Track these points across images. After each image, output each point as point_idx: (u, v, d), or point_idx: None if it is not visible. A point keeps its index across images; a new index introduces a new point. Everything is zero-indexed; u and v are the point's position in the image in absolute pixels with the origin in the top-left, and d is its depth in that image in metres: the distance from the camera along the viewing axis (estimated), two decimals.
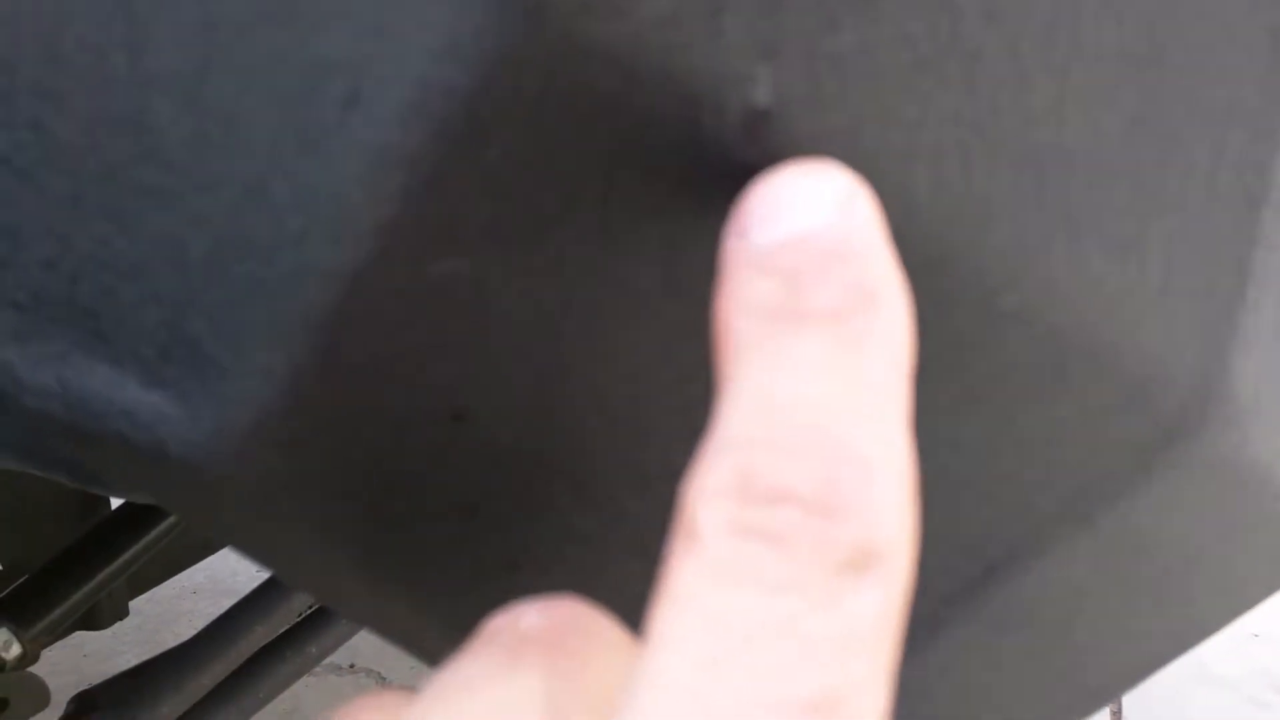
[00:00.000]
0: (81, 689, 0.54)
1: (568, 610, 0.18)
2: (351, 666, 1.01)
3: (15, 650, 0.58)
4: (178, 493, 0.22)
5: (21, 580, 0.60)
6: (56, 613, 0.58)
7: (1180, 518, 0.29)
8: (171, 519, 0.54)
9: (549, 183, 0.18)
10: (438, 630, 0.25)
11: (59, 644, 0.62)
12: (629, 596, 0.19)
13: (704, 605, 0.14)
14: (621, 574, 0.24)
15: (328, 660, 0.63)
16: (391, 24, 0.17)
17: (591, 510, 0.23)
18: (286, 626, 0.60)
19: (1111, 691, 0.36)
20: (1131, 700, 1.04)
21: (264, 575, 0.61)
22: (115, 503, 0.61)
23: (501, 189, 0.18)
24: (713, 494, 0.15)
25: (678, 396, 0.22)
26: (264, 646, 0.58)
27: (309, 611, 0.60)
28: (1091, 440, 0.26)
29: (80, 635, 0.63)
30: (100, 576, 0.58)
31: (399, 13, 0.17)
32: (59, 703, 0.56)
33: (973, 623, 0.30)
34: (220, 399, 0.20)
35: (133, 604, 0.63)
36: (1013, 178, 0.21)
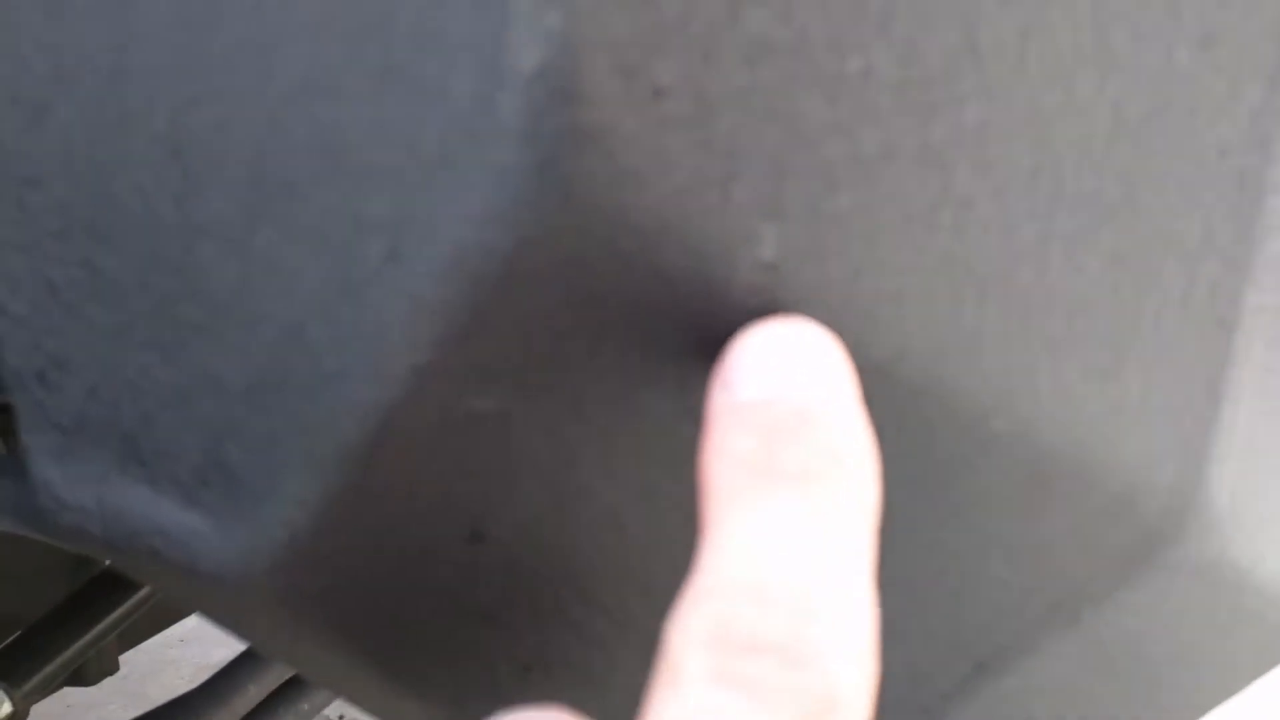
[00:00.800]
0: None
1: (557, 718, 0.19)
2: (341, 718, 1.01)
3: (6, 708, 0.58)
4: (205, 600, 0.23)
5: (14, 637, 0.60)
6: (48, 669, 0.58)
7: (1165, 618, 0.30)
8: None
9: (575, 331, 0.19)
10: None
11: (50, 699, 0.62)
12: (633, 694, 0.21)
13: None
14: (627, 674, 0.25)
15: (320, 715, 0.63)
16: (433, 190, 0.18)
17: (600, 615, 0.25)
18: (279, 683, 0.61)
19: None
20: None
21: None
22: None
23: (531, 338, 0.19)
24: (695, 638, 0.16)
25: (684, 510, 0.23)
26: (257, 705, 0.58)
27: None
28: (1078, 548, 0.27)
29: (68, 693, 0.63)
30: (93, 633, 0.58)
31: (441, 180, 0.18)
32: None
33: (968, 715, 0.31)
34: (254, 522, 0.21)
35: (123, 662, 0.64)
36: (999, 313, 0.23)
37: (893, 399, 0.23)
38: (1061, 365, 0.24)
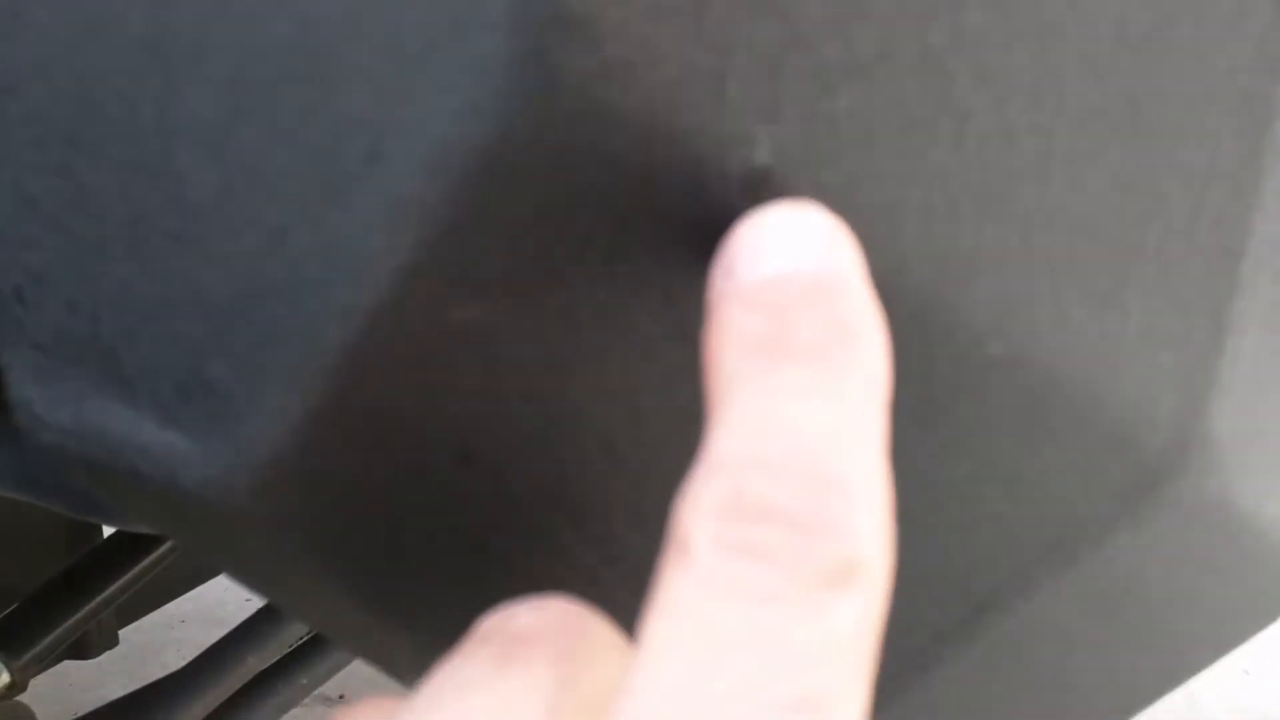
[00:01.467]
0: (68, 719, 0.54)
1: (560, 610, 0.19)
2: (341, 697, 1.00)
3: (5, 679, 0.58)
4: (188, 527, 0.23)
5: (11, 609, 0.60)
6: (46, 641, 0.58)
7: (1165, 560, 0.30)
8: (162, 549, 0.54)
9: (562, 234, 0.19)
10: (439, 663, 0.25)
11: (46, 673, 0.62)
12: (626, 626, 0.20)
13: (694, 615, 0.15)
14: (618, 606, 0.25)
15: (318, 691, 0.63)
16: (415, 84, 0.18)
17: (593, 545, 0.24)
18: (278, 657, 0.60)
19: None
20: None
21: (252, 605, 0.61)
22: (106, 531, 0.61)
23: (517, 240, 0.19)
24: (704, 511, 0.16)
25: (677, 437, 0.23)
26: (255, 677, 0.58)
27: (301, 642, 0.60)
28: (1076, 484, 0.27)
29: (67, 664, 0.63)
30: (91, 605, 0.58)
31: (422, 74, 0.18)
32: None
33: (963, 660, 0.30)
34: (236, 438, 0.20)
35: (120, 633, 0.63)
36: (999, 232, 0.22)
37: (888, 318, 0.22)
38: (1061, 289, 0.23)
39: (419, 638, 0.24)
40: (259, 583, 0.25)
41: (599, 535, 0.24)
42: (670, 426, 0.23)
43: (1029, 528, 0.27)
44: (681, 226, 0.20)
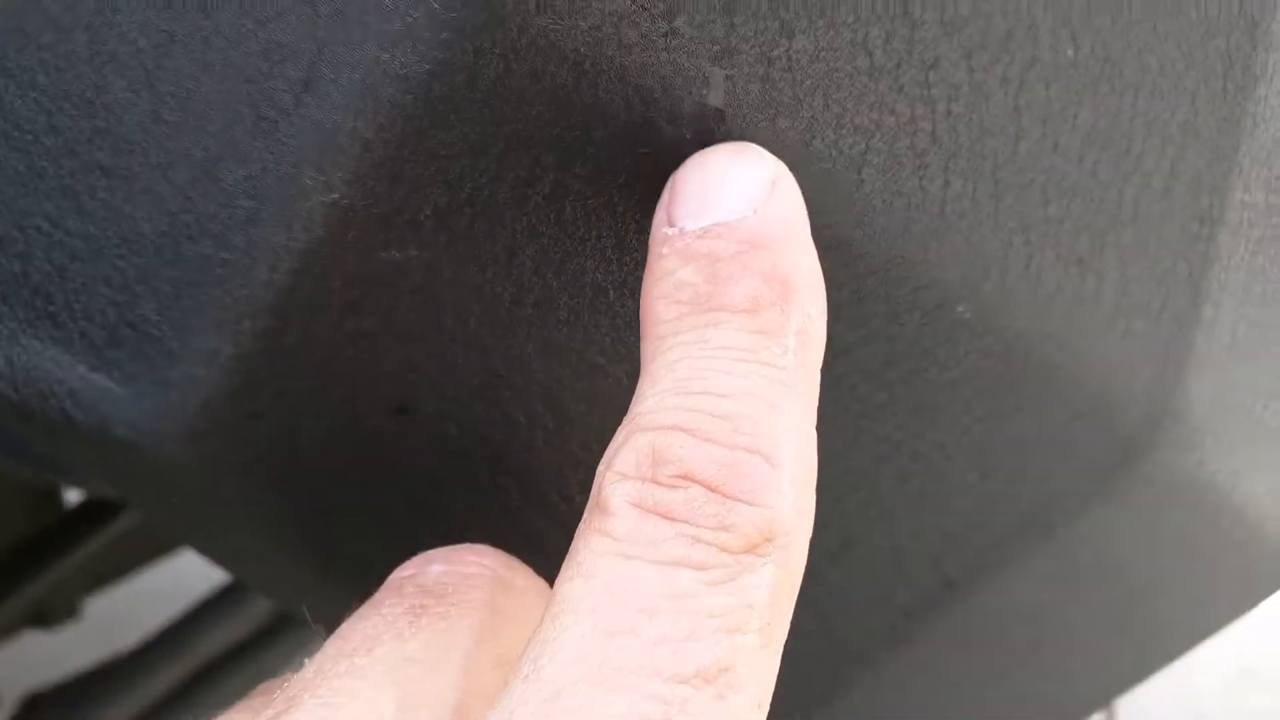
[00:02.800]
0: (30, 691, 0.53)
1: (476, 559, 0.18)
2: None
3: None
4: (123, 475, 0.22)
5: None
6: (7, 606, 0.57)
7: (1141, 538, 0.29)
8: (126, 520, 0.53)
9: (502, 174, 0.18)
10: None
11: (10, 646, 0.61)
12: None
13: (606, 577, 0.15)
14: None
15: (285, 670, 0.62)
16: (349, 9, 0.17)
17: (540, 509, 0.23)
18: (243, 634, 0.59)
19: (1081, 712, 0.36)
20: None
21: (221, 581, 0.60)
22: (71, 501, 0.60)
23: (454, 178, 0.18)
24: (624, 472, 0.16)
25: (628, 397, 0.22)
26: (219, 653, 0.57)
27: (267, 619, 0.59)
28: (1049, 457, 0.26)
29: (32, 640, 0.62)
30: (53, 571, 0.57)
31: (358, 0, 0.17)
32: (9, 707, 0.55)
33: (935, 638, 0.30)
34: (166, 382, 0.20)
35: (87, 610, 0.62)
36: (968, 188, 0.21)
37: (851, 276, 0.21)
38: (1035, 249, 0.23)
39: (362, 590, 0.23)
40: (195, 536, 0.25)
41: (548, 499, 0.23)
42: (623, 386, 0.22)
43: (1001, 501, 0.27)
44: (632, 170, 0.19)
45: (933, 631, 0.29)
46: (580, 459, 0.23)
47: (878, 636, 0.29)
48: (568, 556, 0.15)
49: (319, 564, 0.23)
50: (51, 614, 0.59)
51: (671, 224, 0.17)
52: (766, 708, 0.15)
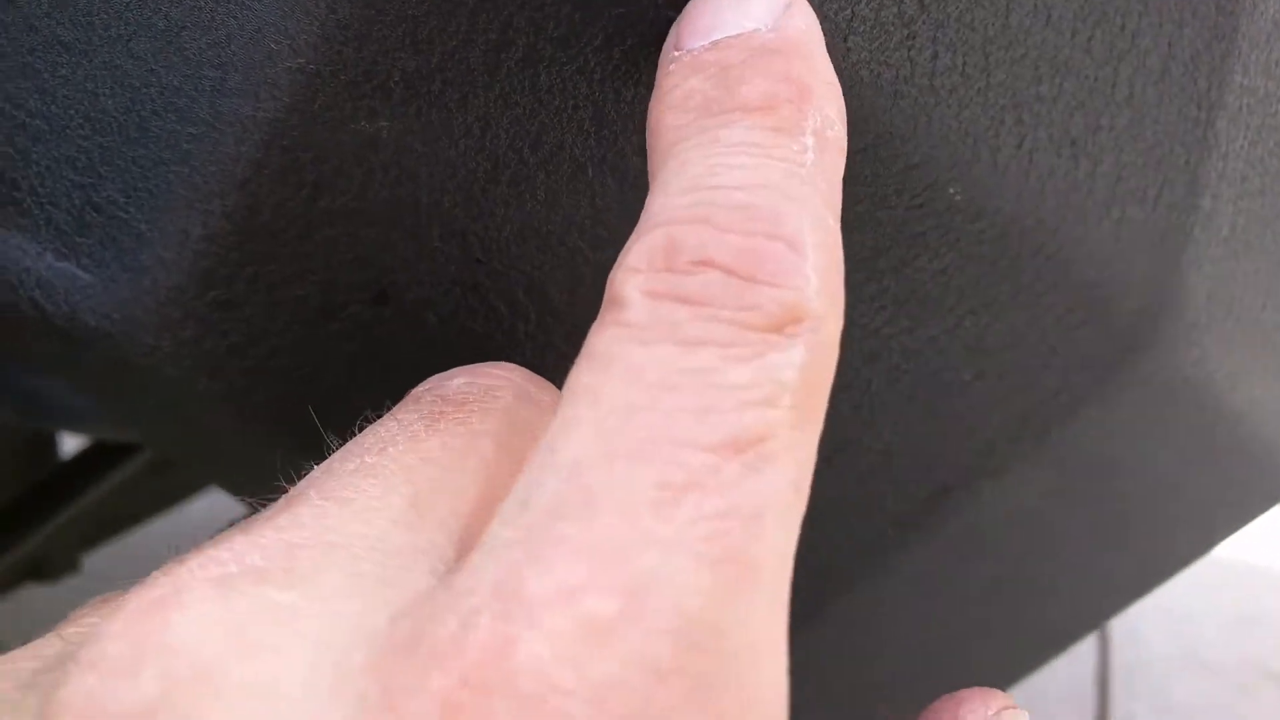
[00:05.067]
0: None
1: (501, 374, 0.17)
2: None
3: None
4: (96, 372, 0.21)
5: None
6: (4, 559, 0.57)
7: (1139, 442, 0.29)
8: (122, 472, 0.53)
9: (472, 37, 0.18)
10: None
11: (10, 599, 0.61)
12: None
13: (621, 360, 0.14)
14: None
15: None
16: None
17: None
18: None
19: (1079, 630, 0.36)
20: (1118, 686, 1.04)
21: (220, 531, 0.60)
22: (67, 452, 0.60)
23: (422, 40, 0.17)
24: (635, 267, 0.15)
25: None
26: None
27: None
28: (1044, 352, 0.25)
29: (32, 594, 0.62)
30: (48, 525, 0.57)
31: None
32: None
33: (929, 548, 0.29)
34: (136, 267, 0.19)
35: (86, 564, 0.62)
36: (957, 61, 0.21)
37: None
38: (1027, 129, 0.22)
39: None
40: (173, 441, 0.24)
41: None
42: (606, 275, 0.21)
43: (995, 402, 0.26)
44: (608, 32, 0.18)
45: (928, 542, 0.29)
46: (564, 352, 0.22)
47: (870, 546, 0.28)
48: (580, 357, 0.15)
49: (299, 461, 0.22)
50: (51, 568, 0.59)
51: (679, 48, 0.17)
52: (804, 494, 0.14)
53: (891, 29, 0.20)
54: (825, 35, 0.19)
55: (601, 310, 0.15)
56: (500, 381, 0.17)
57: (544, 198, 0.20)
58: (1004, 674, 0.35)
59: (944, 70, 0.21)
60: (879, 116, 0.21)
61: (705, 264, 0.14)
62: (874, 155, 0.21)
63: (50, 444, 0.55)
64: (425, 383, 0.17)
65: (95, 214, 0.19)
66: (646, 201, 0.16)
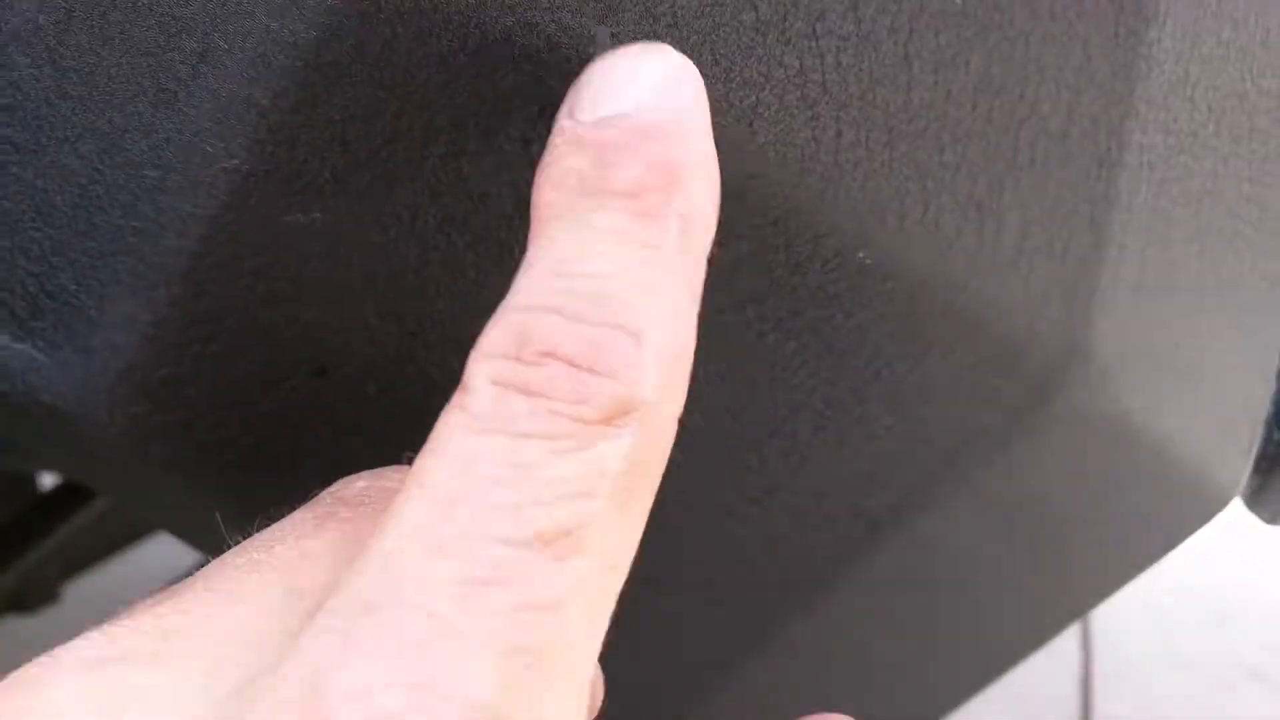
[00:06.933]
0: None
1: (399, 477, 0.18)
2: None
3: None
4: (55, 444, 0.23)
5: None
6: None
7: (1063, 476, 0.30)
8: (101, 504, 0.54)
9: (397, 136, 0.19)
10: None
11: None
12: None
13: (455, 450, 0.15)
14: None
15: None
16: None
17: None
18: None
19: (1017, 654, 0.38)
20: (1099, 682, 1.05)
21: (197, 563, 0.61)
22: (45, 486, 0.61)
23: (349, 141, 0.19)
24: (488, 352, 0.16)
25: None
26: None
27: None
28: (961, 399, 0.27)
29: (13, 625, 0.63)
30: (29, 556, 0.57)
31: None
32: None
33: (864, 581, 0.30)
34: (88, 349, 0.20)
35: (66, 594, 0.63)
36: (861, 136, 0.22)
37: (750, 228, 0.22)
38: (931, 195, 0.23)
39: None
40: (131, 501, 0.25)
41: None
42: None
43: (917, 443, 0.28)
44: (526, 127, 0.19)
45: (863, 575, 0.30)
46: None
47: (804, 582, 0.30)
48: (429, 437, 0.16)
49: (247, 521, 0.23)
50: (31, 599, 0.60)
51: (570, 116, 0.18)
52: (621, 572, 0.15)
53: (795, 111, 0.21)
54: (731, 121, 0.21)
55: (456, 391, 0.16)
56: (400, 483, 0.18)
57: (474, 276, 0.21)
58: (950, 695, 0.37)
59: (848, 146, 0.22)
60: (787, 193, 0.22)
61: (550, 355, 0.15)
62: (784, 227, 0.22)
63: (29, 477, 0.56)
64: (333, 485, 0.19)
65: (49, 300, 0.20)
66: (516, 275, 0.17)
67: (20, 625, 0.63)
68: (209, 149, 0.18)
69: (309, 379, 0.21)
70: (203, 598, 0.16)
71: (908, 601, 0.33)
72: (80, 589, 0.65)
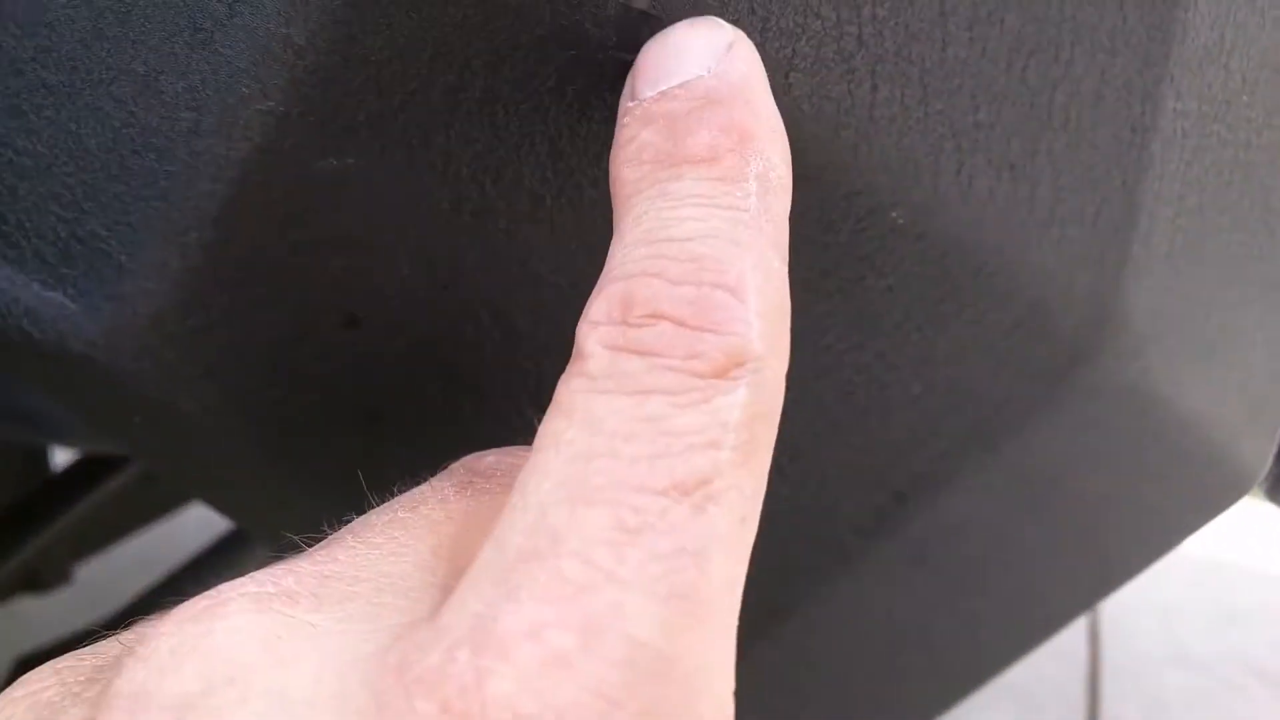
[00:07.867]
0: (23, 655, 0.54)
1: (526, 455, 0.19)
2: None
3: None
4: (83, 394, 0.22)
5: None
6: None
7: (1088, 450, 0.30)
8: (113, 484, 0.54)
9: (432, 79, 0.19)
10: None
11: (3, 610, 0.62)
12: None
13: (583, 409, 0.16)
14: None
15: None
16: None
17: (494, 422, 0.24)
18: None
19: (1039, 635, 0.37)
20: (1107, 682, 1.05)
21: (208, 543, 0.61)
22: (59, 464, 0.61)
23: (385, 83, 0.18)
24: (596, 320, 0.16)
25: (575, 307, 0.23)
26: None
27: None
28: (992, 365, 0.27)
29: (25, 605, 0.63)
30: (40, 537, 0.57)
31: None
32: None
33: (888, 553, 0.30)
34: (118, 296, 0.20)
35: (78, 575, 0.63)
36: (896, 92, 0.22)
37: None
38: (965, 155, 0.23)
39: (319, 502, 0.24)
40: (157, 454, 0.25)
41: (502, 412, 0.24)
42: (566, 298, 0.23)
43: (945, 412, 0.27)
44: (562, 74, 0.19)
45: (883, 548, 0.30)
46: (529, 371, 0.23)
47: (828, 552, 0.29)
48: (550, 405, 0.16)
49: (278, 480, 0.23)
50: (43, 579, 0.60)
51: (634, 98, 0.18)
52: (751, 525, 0.16)
53: (831, 64, 0.21)
54: (768, 72, 0.21)
55: (570, 360, 0.17)
56: (525, 460, 0.19)
57: (505, 227, 0.21)
58: (970, 674, 0.37)
59: (883, 102, 0.22)
60: (821, 147, 0.22)
61: (657, 316, 0.16)
62: (818, 183, 0.22)
63: (42, 458, 0.56)
64: (461, 459, 0.19)
65: (79, 246, 0.20)
66: (609, 251, 0.17)
67: (32, 605, 0.63)
68: (245, 90, 0.18)
69: (340, 330, 0.21)
70: (354, 549, 0.16)
71: (930, 576, 0.32)
72: (92, 570, 0.65)
